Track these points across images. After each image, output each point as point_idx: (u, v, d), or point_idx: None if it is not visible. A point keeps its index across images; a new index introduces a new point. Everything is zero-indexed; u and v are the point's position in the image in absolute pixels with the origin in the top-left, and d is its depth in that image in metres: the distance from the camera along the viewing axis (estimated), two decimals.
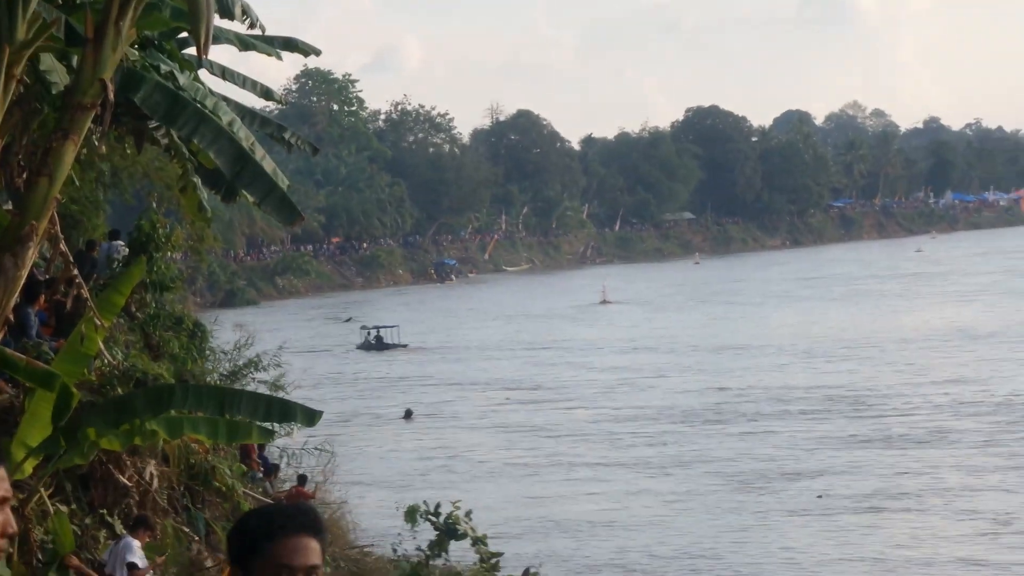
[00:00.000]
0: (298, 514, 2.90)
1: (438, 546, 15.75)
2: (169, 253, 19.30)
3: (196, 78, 12.49)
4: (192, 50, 12.00)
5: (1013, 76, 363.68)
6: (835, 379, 38.23)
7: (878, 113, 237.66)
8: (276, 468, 20.48)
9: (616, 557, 21.19)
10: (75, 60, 10.51)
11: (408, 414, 36.92)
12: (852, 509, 22.93)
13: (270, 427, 11.83)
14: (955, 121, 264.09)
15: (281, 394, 17.82)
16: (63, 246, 14.25)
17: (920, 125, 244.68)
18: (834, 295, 74.45)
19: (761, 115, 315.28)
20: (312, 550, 2.83)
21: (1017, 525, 20.86)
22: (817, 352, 45.65)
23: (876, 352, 44.67)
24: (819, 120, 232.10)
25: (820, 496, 24.09)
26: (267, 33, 13.18)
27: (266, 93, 15.33)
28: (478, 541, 16.11)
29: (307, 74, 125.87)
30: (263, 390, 17.60)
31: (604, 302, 76.53)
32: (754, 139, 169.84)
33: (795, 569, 20.27)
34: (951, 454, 26.37)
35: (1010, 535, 20.46)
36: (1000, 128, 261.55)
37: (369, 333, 57.53)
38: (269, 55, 13.74)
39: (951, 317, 55.75)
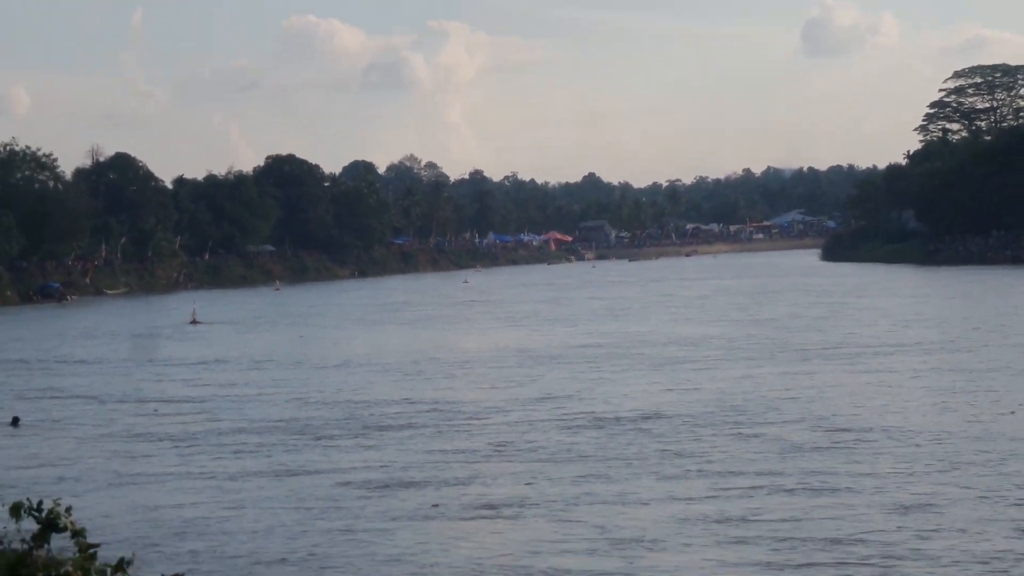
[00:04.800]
0: None
1: (40, 538, 13.50)
2: None
3: None
4: None
5: (541, 137, 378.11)
6: (432, 394, 36.19)
7: (431, 165, 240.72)
8: None
9: (215, 547, 18.75)
10: None
11: (15, 421, 32.57)
12: (466, 516, 20.59)
13: None
14: (496, 173, 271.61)
15: None
16: None
17: (466, 176, 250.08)
18: (405, 319, 73.43)
19: (332, 164, 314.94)
20: None
21: (613, 533, 18.90)
22: (406, 369, 43.82)
23: (461, 370, 43.26)
24: (381, 170, 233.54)
25: (436, 505, 21.62)
26: None
27: None
28: (77, 534, 13.91)
29: None
30: None
31: (194, 322, 73.50)
32: (326, 184, 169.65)
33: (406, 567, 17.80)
34: (563, 468, 24.44)
35: (624, 549, 18.50)
36: (532, 180, 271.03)
37: None
38: None
39: (513, 340, 55.42)
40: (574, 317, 68.98)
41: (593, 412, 31.42)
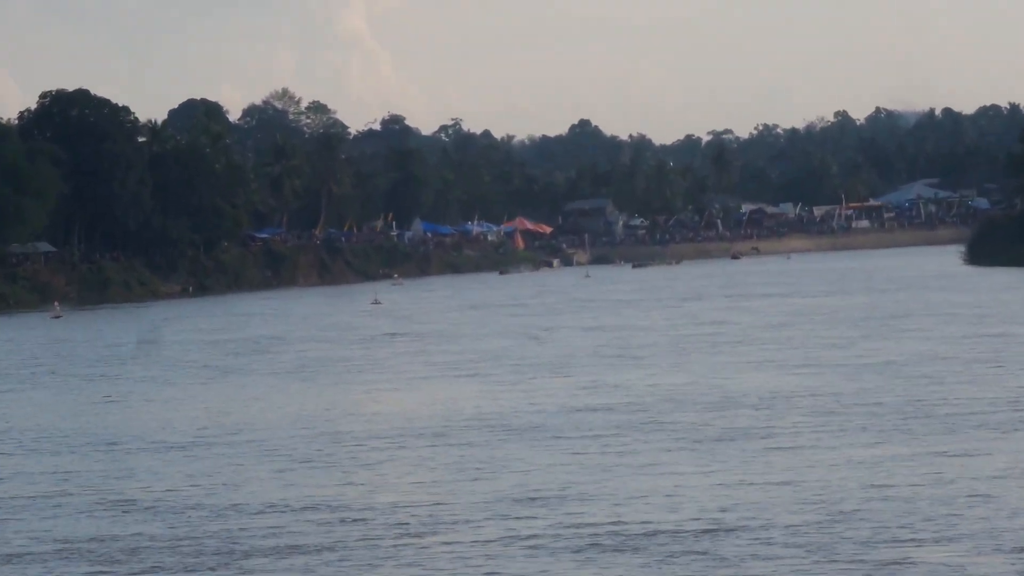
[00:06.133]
0: None
1: None
2: None
3: None
4: None
5: (499, 64, 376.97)
6: (338, 493, 35.91)
7: (318, 107, 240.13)
8: None
9: None
10: None
11: None
12: None
13: None
14: (426, 122, 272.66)
15: None
16: None
17: (377, 126, 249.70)
18: (280, 366, 73.73)
19: (152, 105, 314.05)
20: None
21: None
22: (291, 451, 43.77)
23: (384, 451, 43.18)
24: (235, 115, 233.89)
25: None
26: None
27: None
28: None
29: None
30: None
31: None
32: (142, 139, 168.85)
33: None
34: None
35: None
36: (487, 134, 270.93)
37: None
38: None
39: (466, 399, 55.30)
40: (564, 361, 69.28)
41: (615, 522, 31.13)
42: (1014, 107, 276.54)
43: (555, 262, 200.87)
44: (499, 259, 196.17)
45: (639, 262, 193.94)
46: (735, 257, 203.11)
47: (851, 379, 56.33)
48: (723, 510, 32.09)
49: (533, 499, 34.18)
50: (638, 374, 61.92)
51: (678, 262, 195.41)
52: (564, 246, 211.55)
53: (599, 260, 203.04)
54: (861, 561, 27.18)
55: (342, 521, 32.58)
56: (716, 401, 51.22)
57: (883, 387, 53.34)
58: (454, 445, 43.16)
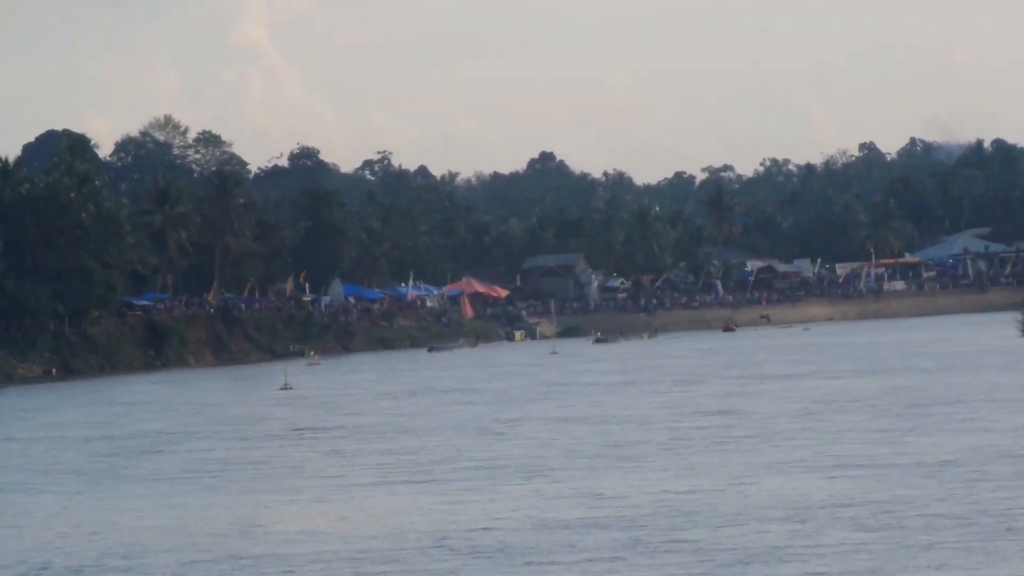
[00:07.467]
0: None
1: None
2: None
3: None
4: None
5: (443, 84, 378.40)
6: None
7: (210, 139, 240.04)
8: None
9: None
10: None
11: None
12: None
13: None
14: (345, 156, 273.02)
15: None
16: None
17: (284, 162, 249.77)
18: (168, 470, 74.00)
19: (7, 136, 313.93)
20: None
21: None
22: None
23: None
24: (106, 150, 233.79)
25: None
26: None
27: None
28: None
29: None
30: None
31: None
32: None
33: None
34: None
35: None
36: (424, 170, 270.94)
37: None
38: None
39: (415, 512, 55.68)
40: (537, 463, 69.54)
41: None
42: None
43: (518, 334, 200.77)
44: (442, 332, 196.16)
45: (601, 336, 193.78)
46: (728, 329, 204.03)
47: (902, 483, 56.47)
48: None
49: None
50: (631, 479, 61.95)
51: (652, 335, 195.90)
52: (524, 313, 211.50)
53: (569, 331, 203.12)
54: None
55: None
56: (734, 513, 51.20)
57: (944, 493, 53.43)
58: (408, 574, 42.87)
